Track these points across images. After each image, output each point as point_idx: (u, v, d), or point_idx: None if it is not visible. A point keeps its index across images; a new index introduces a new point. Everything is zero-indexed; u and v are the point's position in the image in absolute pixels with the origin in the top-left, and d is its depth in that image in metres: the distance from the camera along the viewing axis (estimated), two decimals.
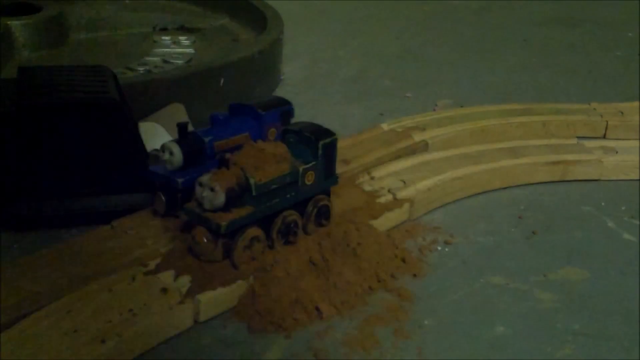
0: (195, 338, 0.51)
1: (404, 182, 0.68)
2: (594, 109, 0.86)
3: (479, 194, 0.72)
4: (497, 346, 0.52)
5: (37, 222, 0.62)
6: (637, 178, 0.77)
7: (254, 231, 0.54)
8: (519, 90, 1.01)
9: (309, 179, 0.56)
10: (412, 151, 0.75)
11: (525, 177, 0.75)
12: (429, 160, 0.73)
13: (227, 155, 0.53)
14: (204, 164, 0.59)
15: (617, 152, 0.78)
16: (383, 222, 0.63)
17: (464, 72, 1.07)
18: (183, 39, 1.05)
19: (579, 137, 0.81)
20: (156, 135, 0.73)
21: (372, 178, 0.69)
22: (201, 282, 0.53)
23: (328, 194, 0.60)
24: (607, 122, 0.82)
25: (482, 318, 0.55)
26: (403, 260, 0.60)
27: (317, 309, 0.53)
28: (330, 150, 0.57)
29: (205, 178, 0.52)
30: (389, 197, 0.66)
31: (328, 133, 0.57)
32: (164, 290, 0.51)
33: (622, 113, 0.85)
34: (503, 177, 0.74)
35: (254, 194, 0.53)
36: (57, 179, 0.62)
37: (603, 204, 0.72)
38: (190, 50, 1.02)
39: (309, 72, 1.04)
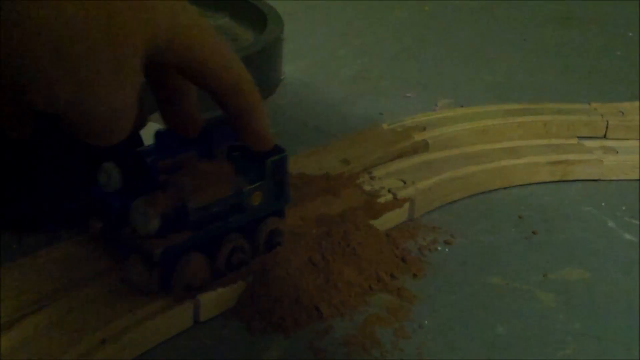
0: (195, 338, 0.51)
1: (404, 182, 0.68)
2: (594, 109, 0.86)
3: (479, 194, 0.72)
4: (497, 346, 0.52)
5: (37, 222, 0.62)
6: (637, 178, 0.77)
7: (196, 257, 0.50)
8: (519, 90, 1.00)
9: (256, 200, 0.53)
10: (412, 151, 0.75)
11: (525, 177, 0.74)
12: (429, 160, 0.73)
13: (164, 177, 0.49)
14: (145, 186, 0.52)
15: (617, 152, 0.78)
16: (383, 222, 0.63)
17: (464, 72, 1.07)
18: None
19: (579, 137, 0.81)
20: None
21: (372, 178, 0.69)
22: None
23: (281, 214, 0.56)
24: (607, 122, 0.82)
25: (482, 318, 0.55)
26: (403, 260, 0.60)
27: (317, 309, 0.53)
28: (280, 168, 0.53)
29: (138, 202, 0.48)
30: (389, 197, 0.66)
31: (277, 150, 0.53)
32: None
33: (622, 113, 0.85)
34: (503, 177, 0.74)
35: (191, 218, 0.49)
36: (57, 179, 0.62)
37: (603, 204, 0.72)
38: None
39: (309, 72, 1.04)
